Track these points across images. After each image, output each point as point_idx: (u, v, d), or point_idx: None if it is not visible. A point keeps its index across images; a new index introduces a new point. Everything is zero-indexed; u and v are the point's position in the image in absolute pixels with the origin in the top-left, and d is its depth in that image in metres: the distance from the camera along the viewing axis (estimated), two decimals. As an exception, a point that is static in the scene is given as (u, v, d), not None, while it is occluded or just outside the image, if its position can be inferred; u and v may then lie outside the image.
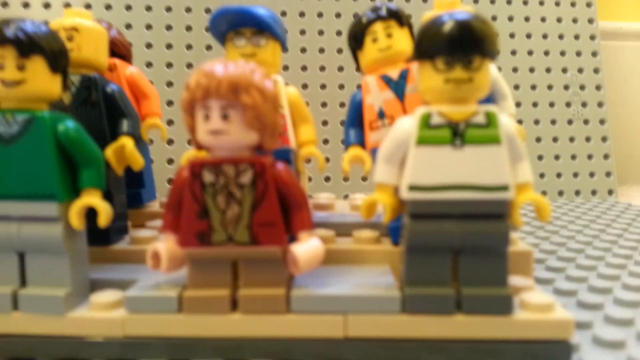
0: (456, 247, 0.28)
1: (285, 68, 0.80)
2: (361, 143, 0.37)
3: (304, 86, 0.80)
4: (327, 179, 0.78)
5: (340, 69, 0.81)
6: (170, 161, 0.77)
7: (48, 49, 0.28)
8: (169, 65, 0.78)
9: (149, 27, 0.78)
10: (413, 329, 0.28)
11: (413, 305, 0.28)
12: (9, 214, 0.29)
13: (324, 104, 0.80)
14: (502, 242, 0.28)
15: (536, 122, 0.86)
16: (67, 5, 0.77)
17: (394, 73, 0.36)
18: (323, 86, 0.81)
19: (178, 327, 0.28)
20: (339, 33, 0.81)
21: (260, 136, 0.28)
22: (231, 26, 0.35)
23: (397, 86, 0.35)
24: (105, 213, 0.29)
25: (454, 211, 0.28)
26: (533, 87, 0.86)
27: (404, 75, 0.35)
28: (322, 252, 0.29)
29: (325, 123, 0.78)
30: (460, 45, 0.26)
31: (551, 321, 0.28)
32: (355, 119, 0.37)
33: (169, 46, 0.78)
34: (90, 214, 0.29)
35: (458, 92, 0.27)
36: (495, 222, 0.28)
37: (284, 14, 0.81)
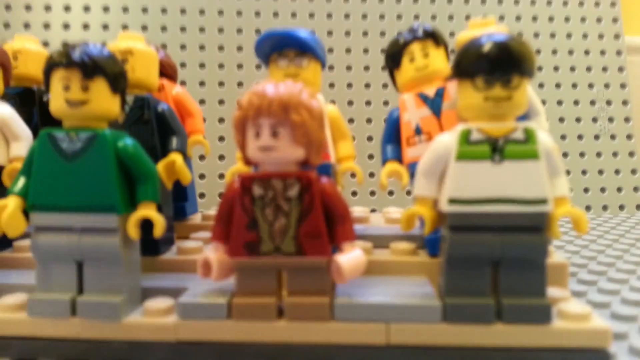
0: (496, 259, 0.29)
1: (332, 85, 0.82)
2: (398, 158, 0.38)
3: (350, 103, 0.83)
4: (372, 193, 0.80)
5: (385, 86, 0.83)
6: (221, 176, 0.80)
7: (110, 71, 0.30)
8: (221, 84, 0.82)
9: (202, 47, 0.82)
10: (453, 337, 0.29)
11: (454, 314, 0.29)
12: (72, 225, 0.30)
13: (368, 120, 0.82)
14: (541, 254, 0.29)
15: (563, 137, 0.86)
16: (125, 27, 0.81)
17: (430, 91, 0.37)
18: (368, 103, 0.83)
19: (227, 333, 0.30)
20: (383, 51, 0.85)
21: (307, 152, 0.29)
22: (275, 48, 0.37)
23: (434, 103, 0.37)
24: (160, 224, 0.31)
25: (493, 224, 0.29)
26: (559, 103, 0.87)
27: (440, 93, 0.37)
28: (364, 263, 0.30)
29: (370, 139, 0.80)
30: (499, 64, 0.28)
31: (589, 330, 0.28)
32: (392, 135, 0.38)
33: (220, 66, 0.82)
34: (142, 225, 0.31)
35: (497, 110, 0.29)
36: (534, 234, 0.29)
37: (330, 33, 0.84)
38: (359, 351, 0.29)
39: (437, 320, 0.29)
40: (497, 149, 0.29)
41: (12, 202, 0.30)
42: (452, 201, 0.29)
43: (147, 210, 0.31)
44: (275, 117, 0.28)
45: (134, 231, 0.30)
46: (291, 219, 0.29)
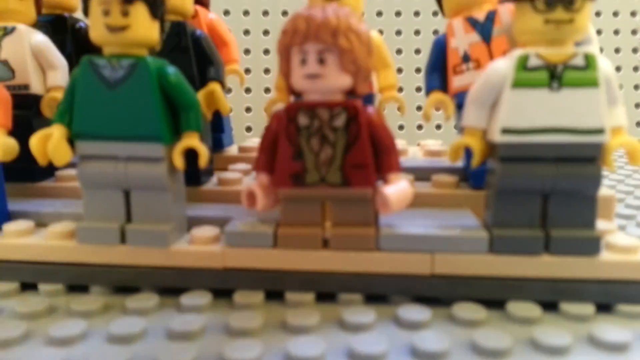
0: (547, 191, 0.29)
1: (379, 14, 0.79)
2: (444, 88, 0.37)
3: (398, 32, 0.80)
4: (401, 127, 0.79)
5: (435, 13, 0.79)
6: (248, 109, 0.79)
7: None
8: (246, 13, 0.79)
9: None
10: (499, 268, 0.29)
11: (501, 245, 0.29)
12: (117, 154, 0.30)
13: (417, 51, 0.79)
14: (594, 186, 0.28)
15: (618, 69, 0.83)
16: None
17: (480, 15, 0.35)
18: (417, 32, 0.79)
19: (272, 261, 0.30)
20: None
21: (354, 80, 0.28)
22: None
23: (484, 29, 0.35)
24: (204, 155, 0.30)
25: (547, 154, 0.28)
26: (616, 32, 0.82)
27: (491, 18, 0.35)
28: (411, 194, 0.30)
29: (418, 70, 0.78)
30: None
31: (637, 262, 0.28)
32: (438, 63, 0.37)
33: (265, 13, 0.79)
34: (186, 155, 0.31)
35: (558, 34, 0.27)
36: (588, 165, 0.28)
37: None
38: (403, 281, 0.30)
39: (483, 251, 0.29)
40: (555, 75, 0.27)
41: (57, 131, 0.30)
42: (506, 131, 0.28)
43: (192, 140, 0.30)
44: (322, 42, 0.27)
45: (179, 161, 0.30)
46: (337, 149, 0.29)
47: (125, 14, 0.29)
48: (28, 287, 0.32)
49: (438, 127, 0.79)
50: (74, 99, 0.30)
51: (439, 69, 0.37)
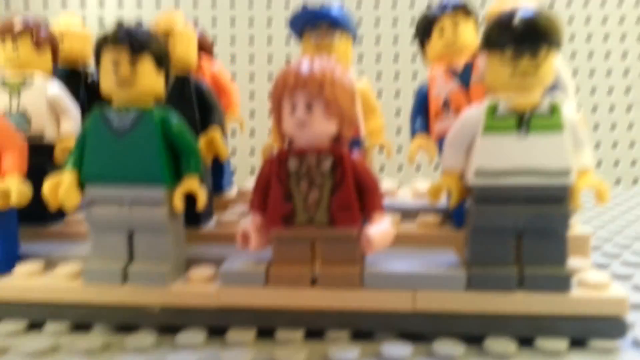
0: (520, 229, 0.31)
1: (360, 58, 0.83)
2: (427, 132, 0.39)
3: (378, 76, 0.83)
4: (400, 167, 0.81)
5: (413, 58, 0.83)
6: (252, 151, 0.82)
7: (155, 49, 0.32)
8: (251, 59, 0.83)
9: (232, 23, 0.83)
10: (477, 304, 0.31)
11: (477, 282, 0.31)
12: (122, 197, 0.33)
13: (397, 93, 0.82)
14: (563, 225, 0.30)
15: (594, 109, 0.85)
16: (158, 3, 0.83)
17: (459, 65, 0.38)
18: (396, 76, 0.83)
19: (264, 299, 0.32)
20: (412, 22, 0.84)
21: (340, 126, 0.31)
22: (308, 22, 0.38)
23: (463, 77, 0.38)
24: (203, 197, 0.33)
25: (518, 195, 0.30)
26: (591, 73, 0.86)
27: (469, 67, 0.38)
28: (392, 234, 0.32)
29: (398, 112, 0.81)
30: (528, 37, 0.29)
31: (606, 298, 0.30)
32: (421, 109, 0.40)
33: (251, 41, 0.83)
34: (186, 198, 0.33)
35: (524, 82, 0.30)
36: (557, 205, 0.30)
37: (358, 4, 0.84)
38: (387, 317, 0.31)
39: (461, 288, 0.31)
40: (523, 122, 0.30)
41: (68, 177, 0.33)
42: (479, 173, 0.30)
43: (191, 184, 0.33)
44: (310, 93, 0.30)
45: (179, 203, 0.33)
46: (324, 191, 0.31)
47: (133, 64, 0.31)
48: (34, 326, 0.33)
49: (419, 167, 0.82)
50: (84, 146, 0.33)
51: (422, 114, 0.40)
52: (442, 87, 0.38)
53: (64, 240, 0.41)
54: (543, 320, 0.30)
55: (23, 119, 0.41)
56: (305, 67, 0.30)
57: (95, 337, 0.32)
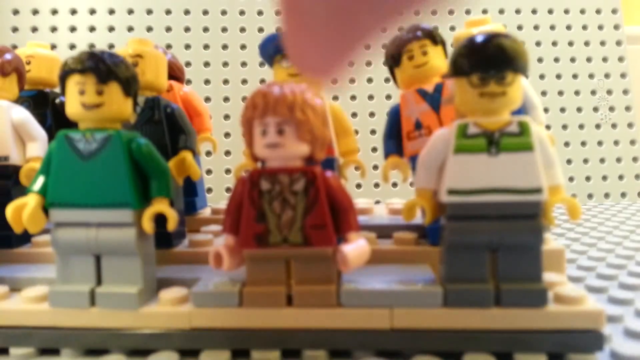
0: (493, 246, 0.31)
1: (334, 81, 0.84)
2: (400, 152, 0.40)
3: (352, 97, 0.84)
4: (376, 185, 0.82)
5: (387, 80, 0.84)
6: (227, 171, 0.82)
7: (122, 76, 0.32)
8: (225, 82, 0.83)
9: (206, 47, 0.84)
10: (454, 320, 0.31)
11: (453, 299, 0.31)
12: (89, 221, 0.32)
13: (371, 114, 0.83)
14: (537, 240, 0.30)
15: (564, 127, 0.88)
16: (131, 28, 0.83)
17: (429, 87, 0.39)
18: (370, 97, 0.84)
19: (239, 320, 0.31)
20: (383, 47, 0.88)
21: (312, 148, 0.31)
22: (279, 50, 0.39)
23: (433, 99, 0.38)
24: (173, 219, 0.32)
25: (491, 213, 0.30)
26: (560, 93, 0.88)
27: (439, 89, 0.38)
28: (368, 251, 0.32)
29: (373, 132, 0.82)
30: (494, 62, 0.29)
31: (583, 312, 0.30)
32: (394, 130, 0.40)
33: (225, 64, 0.83)
34: (156, 220, 0.33)
35: (492, 105, 0.30)
36: (530, 221, 0.30)
37: None
38: (365, 335, 0.31)
39: (438, 305, 0.31)
40: (493, 142, 0.30)
41: (33, 200, 0.32)
42: (451, 192, 0.30)
43: (161, 206, 0.32)
44: (281, 116, 0.30)
45: (148, 225, 0.32)
46: (297, 211, 0.31)
47: (99, 93, 0.31)
48: (0, 351, 0.32)
49: (394, 185, 0.83)
50: (49, 169, 0.32)
51: (394, 136, 0.40)
52: (413, 109, 0.39)
53: (30, 263, 0.40)
54: (520, 335, 0.30)
55: (-13, 141, 0.40)
56: (274, 90, 0.30)
57: None
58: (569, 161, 0.87)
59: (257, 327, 0.31)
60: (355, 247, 0.31)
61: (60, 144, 0.32)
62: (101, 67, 0.31)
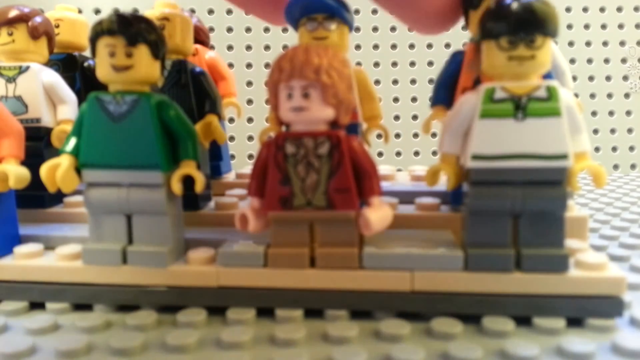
0: (516, 212, 0.31)
1: (358, 47, 0.84)
2: (448, 105, 0.38)
3: (376, 64, 0.84)
4: (398, 153, 0.82)
5: (411, 46, 0.83)
6: (250, 138, 0.82)
7: (151, 38, 0.32)
8: (248, 48, 0.83)
9: (229, 12, 0.83)
10: (474, 284, 0.31)
11: (475, 263, 0.31)
12: (120, 181, 0.33)
13: (395, 82, 0.82)
14: (561, 206, 0.30)
15: (592, 95, 0.86)
16: None
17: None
18: (394, 64, 0.84)
19: (263, 279, 0.32)
20: None
21: (336, 112, 0.31)
22: (304, 13, 0.38)
23: None
24: (201, 181, 0.33)
25: (515, 178, 0.30)
26: (589, 61, 0.86)
27: None
28: (391, 216, 0.32)
29: (396, 100, 0.81)
30: (523, 25, 0.29)
31: (604, 278, 0.30)
32: (450, 80, 0.38)
33: (247, 29, 0.83)
34: (184, 182, 0.34)
35: (521, 69, 0.30)
36: (554, 188, 0.30)
37: None
38: (385, 297, 0.32)
39: (458, 268, 0.31)
40: (520, 106, 0.30)
41: (66, 161, 0.33)
42: (476, 157, 0.30)
43: (189, 168, 0.33)
44: (306, 79, 0.30)
45: (177, 187, 0.33)
46: (322, 175, 0.31)
47: (129, 55, 0.32)
48: (36, 306, 0.34)
49: (416, 153, 0.82)
50: (81, 131, 0.33)
51: (449, 85, 0.38)
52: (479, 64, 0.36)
53: (63, 222, 0.41)
54: (540, 300, 0.30)
55: (20, 103, 0.41)
56: (301, 54, 0.30)
57: (97, 316, 0.32)
58: (595, 131, 0.85)
59: (281, 287, 0.32)
60: (378, 211, 0.31)
61: (91, 106, 0.33)
62: (130, 29, 0.32)
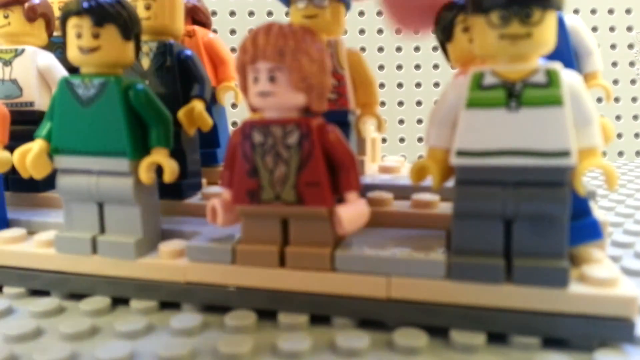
0: (509, 215, 0.27)
1: (362, 32, 0.81)
2: None
3: (380, 49, 0.81)
4: (402, 139, 0.79)
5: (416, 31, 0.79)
6: (234, 124, 0.82)
7: (120, 18, 0.30)
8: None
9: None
10: (457, 295, 0.28)
11: (459, 271, 0.27)
12: (90, 168, 0.32)
13: (399, 67, 0.79)
14: (562, 210, 0.26)
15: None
16: None
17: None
18: (399, 49, 0.81)
19: (231, 277, 0.30)
20: None
21: (308, 98, 0.28)
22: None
23: None
24: (170, 170, 0.31)
25: (506, 178, 0.26)
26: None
27: None
28: (367, 213, 0.29)
29: (400, 85, 0.78)
30: (516, -3, 0.24)
31: (610, 297, 0.26)
32: None
33: (250, 14, 0.81)
34: (160, 170, 0.32)
35: (514, 49, 0.25)
36: (554, 189, 0.26)
37: None
38: (359, 303, 0.29)
39: (440, 276, 0.28)
40: (513, 94, 0.26)
41: (37, 146, 0.32)
42: (460, 153, 0.27)
43: (158, 156, 0.31)
44: (271, 61, 0.27)
45: (145, 175, 0.31)
46: (291, 167, 0.29)
47: (96, 36, 0.30)
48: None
49: (420, 139, 0.79)
50: (53, 115, 0.32)
51: None
52: None
53: (54, 207, 0.41)
54: (534, 316, 0.26)
55: (15, 86, 0.40)
56: (263, 33, 0.28)
57: (50, 301, 0.32)
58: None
59: (248, 285, 0.30)
60: (352, 208, 0.28)
61: (61, 90, 0.32)
62: (97, 8, 0.30)
